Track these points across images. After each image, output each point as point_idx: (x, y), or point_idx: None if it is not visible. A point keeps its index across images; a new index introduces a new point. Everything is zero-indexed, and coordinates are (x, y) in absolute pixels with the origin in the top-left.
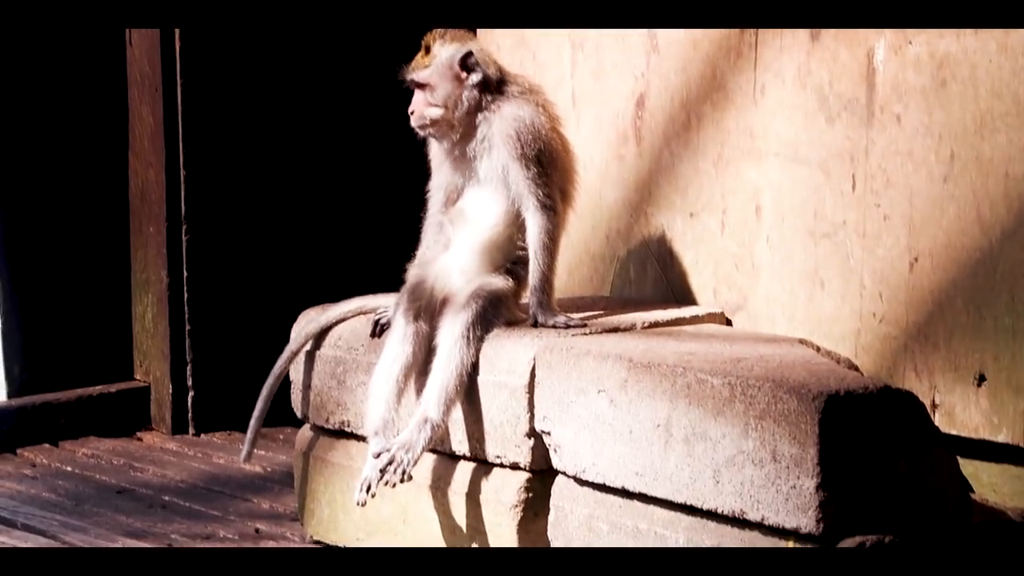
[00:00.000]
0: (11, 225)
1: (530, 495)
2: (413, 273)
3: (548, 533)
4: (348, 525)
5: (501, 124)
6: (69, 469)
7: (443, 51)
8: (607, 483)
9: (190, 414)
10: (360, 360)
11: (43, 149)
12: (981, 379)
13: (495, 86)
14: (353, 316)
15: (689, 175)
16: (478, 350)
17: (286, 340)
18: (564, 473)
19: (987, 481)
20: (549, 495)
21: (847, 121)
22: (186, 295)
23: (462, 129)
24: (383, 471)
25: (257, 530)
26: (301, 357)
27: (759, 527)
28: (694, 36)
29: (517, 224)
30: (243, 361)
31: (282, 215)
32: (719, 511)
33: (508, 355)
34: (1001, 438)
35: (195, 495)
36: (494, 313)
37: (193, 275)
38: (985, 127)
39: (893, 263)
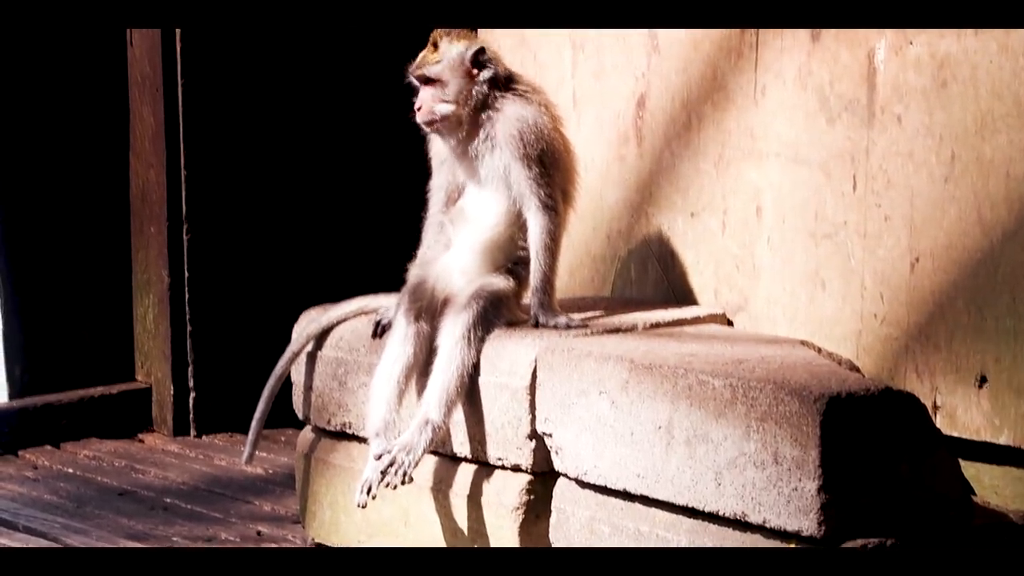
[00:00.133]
0: (12, 226)
1: (531, 497)
2: (414, 273)
3: (550, 535)
4: (349, 527)
5: (505, 124)
6: (70, 471)
7: (453, 47)
8: (608, 485)
9: (191, 415)
10: (361, 361)
11: (44, 150)
12: (982, 381)
13: (503, 84)
14: (354, 317)
15: (690, 175)
16: (479, 351)
17: (287, 341)
18: (565, 475)
19: (989, 483)
20: (551, 497)
21: (848, 122)
22: (187, 296)
23: (467, 127)
24: (384, 473)
25: (259, 532)
26: (302, 358)
27: (761, 530)
28: (695, 37)
29: (518, 224)
30: (244, 362)
31: (283, 215)
32: (721, 513)
33: (509, 356)
34: (1003, 440)
35: (196, 497)
36: (495, 314)
37: (194, 276)
38: (986, 128)
39: (894, 264)
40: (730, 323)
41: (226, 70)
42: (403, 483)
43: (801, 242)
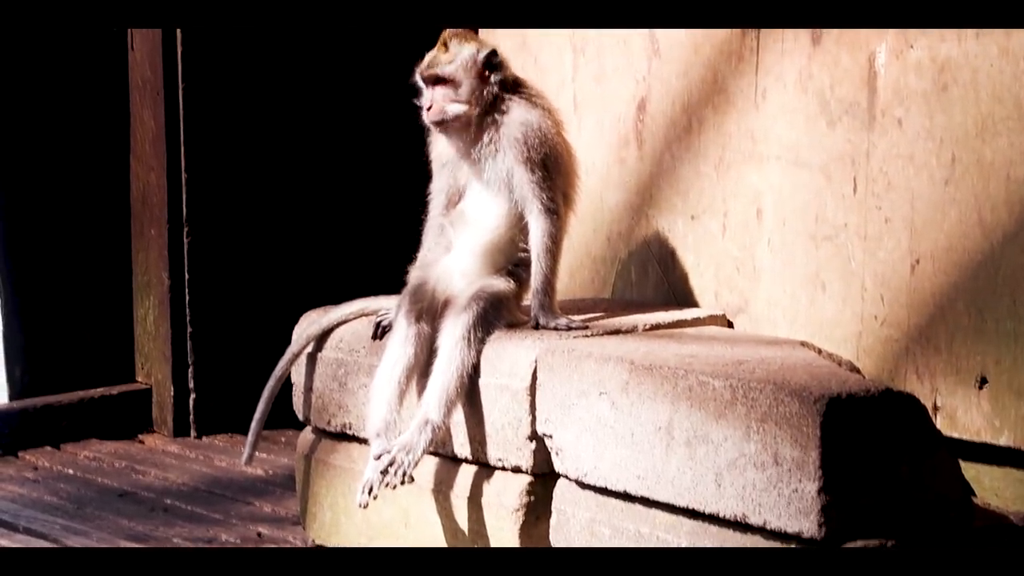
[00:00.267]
0: (13, 228)
1: (532, 498)
2: (414, 275)
3: (550, 537)
4: (350, 528)
5: (510, 127)
6: (71, 472)
7: (464, 48)
8: (609, 486)
9: (191, 416)
10: (361, 362)
11: (45, 153)
12: (983, 382)
13: (510, 87)
14: (354, 318)
15: (690, 178)
16: (479, 352)
17: (287, 342)
18: (566, 476)
19: (989, 484)
20: (551, 498)
21: (848, 125)
22: (187, 297)
23: (474, 128)
24: (384, 472)
25: (259, 534)
26: (302, 359)
27: (761, 531)
28: (695, 40)
29: (519, 226)
30: (244, 363)
31: (283, 218)
32: (721, 515)
33: (510, 357)
34: (1003, 441)
35: (197, 498)
36: (495, 315)
37: (195, 278)
38: (986, 131)
39: (894, 266)
40: (730, 325)
41: (227, 73)
42: (403, 483)
43: (802, 244)
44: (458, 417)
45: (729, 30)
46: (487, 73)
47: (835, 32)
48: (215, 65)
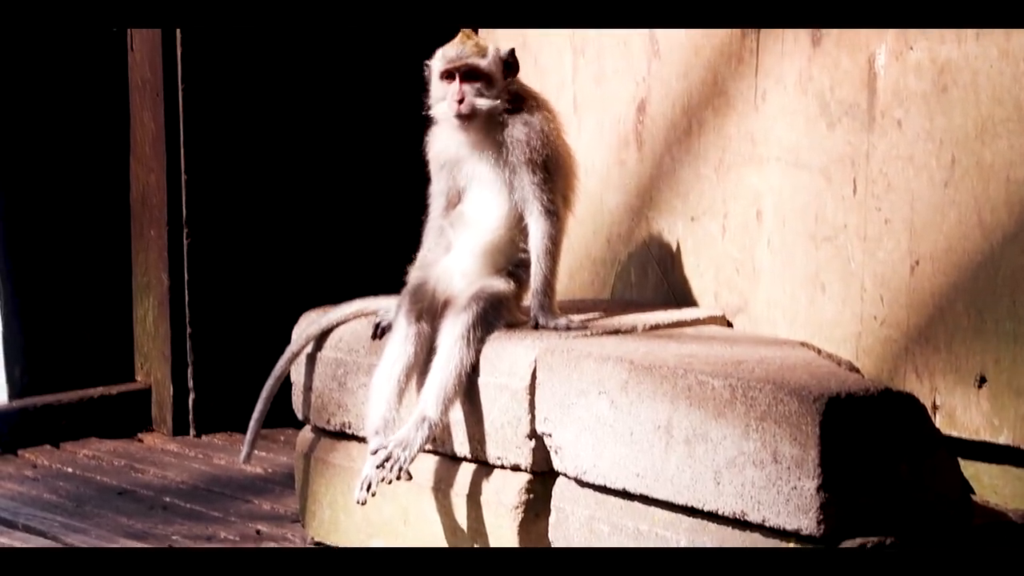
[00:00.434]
0: (13, 228)
1: (531, 497)
2: (414, 275)
3: (549, 535)
4: (349, 526)
5: (514, 128)
6: (70, 470)
7: (489, 46)
8: (608, 485)
9: (191, 415)
10: (361, 362)
11: (45, 153)
12: (982, 381)
13: (517, 89)
14: (354, 318)
15: (690, 180)
16: (478, 351)
17: (287, 342)
18: (565, 475)
19: (988, 483)
20: (550, 497)
21: (848, 126)
22: (187, 297)
23: (488, 126)
24: (380, 468)
25: (258, 531)
26: (302, 359)
27: (760, 529)
28: (695, 42)
29: (519, 227)
30: (244, 363)
31: (283, 218)
32: (720, 513)
33: (509, 357)
34: (1002, 440)
35: (196, 496)
36: (495, 315)
37: (194, 278)
38: (986, 132)
39: (894, 267)
40: (730, 325)
41: (226, 74)
42: (399, 478)
43: (801, 245)
44: (457, 416)
45: (729, 31)
46: (506, 72)
47: (835, 33)
48: (215, 66)
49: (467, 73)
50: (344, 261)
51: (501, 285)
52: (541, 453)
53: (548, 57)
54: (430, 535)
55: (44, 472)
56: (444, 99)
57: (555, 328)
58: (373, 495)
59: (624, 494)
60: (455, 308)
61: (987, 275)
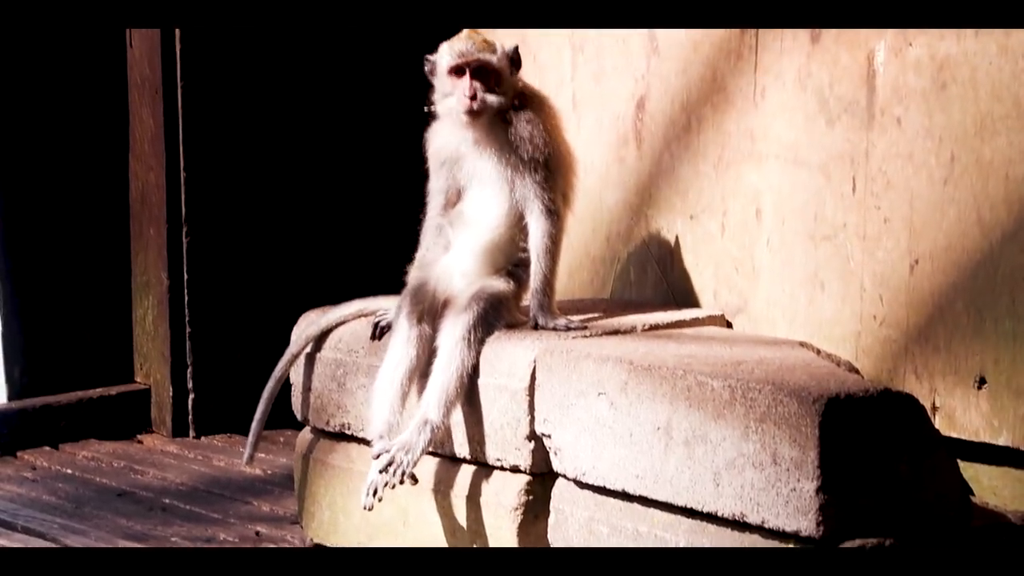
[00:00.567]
0: (12, 228)
1: (530, 498)
2: (414, 275)
3: (548, 536)
4: (349, 528)
5: (516, 126)
6: (69, 472)
7: (496, 42)
8: (607, 486)
9: (190, 416)
10: (360, 363)
11: (44, 152)
12: (981, 382)
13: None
14: (353, 318)
15: (689, 178)
16: (479, 352)
17: (286, 342)
18: (564, 476)
19: (987, 484)
20: (549, 498)
21: (847, 124)
22: (186, 297)
23: (493, 123)
24: (383, 472)
25: (257, 533)
26: (301, 359)
27: (759, 530)
28: (694, 39)
29: (519, 226)
30: (243, 363)
31: (282, 217)
32: (719, 514)
33: (509, 357)
34: (1001, 441)
35: (195, 498)
36: (495, 315)
37: (193, 277)
38: (985, 129)
39: (893, 266)
40: (729, 325)
41: (226, 72)
42: (402, 482)
43: (800, 244)
44: (457, 417)
45: (728, 29)
46: (512, 69)
47: (834, 30)
48: (214, 64)
49: (477, 69)
50: (344, 261)
51: (501, 285)
52: (540, 454)
53: (547, 54)
54: (429, 536)
55: (43, 473)
56: (451, 95)
57: (554, 328)
58: (380, 500)
59: (623, 495)
60: (455, 309)
61: (986, 274)
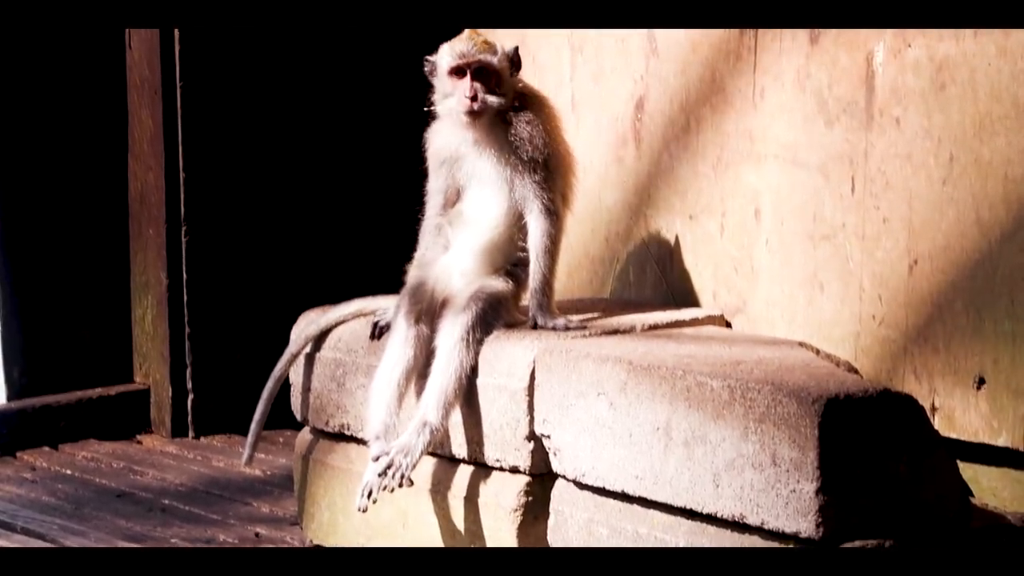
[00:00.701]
0: (11, 228)
1: (530, 499)
2: (413, 275)
3: (548, 537)
4: (348, 529)
5: (516, 126)
6: (69, 472)
7: (496, 43)
8: (607, 487)
9: (190, 417)
10: (360, 363)
11: (43, 152)
12: (981, 382)
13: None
14: (353, 318)
15: (688, 178)
16: (477, 353)
17: (286, 342)
18: (564, 477)
19: (987, 485)
20: (549, 499)
21: (846, 124)
22: (186, 298)
23: (493, 124)
24: (382, 475)
25: (257, 534)
26: (301, 360)
27: (759, 531)
28: (693, 39)
29: (518, 226)
30: (243, 364)
31: (281, 217)
32: (719, 515)
33: (508, 358)
34: (1001, 442)
35: (195, 499)
36: (494, 315)
37: (193, 278)
38: (984, 130)
39: (892, 266)
40: (728, 325)
41: (225, 73)
42: (401, 485)
43: (799, 244)
44: (456, 418)
45: (727, 29)
46: (513, 70)
47: (833, 31)
48: (213, 64)
49: (478, 70)
50: (343, 261)
51: (500, 285)
52: (540, 455)
53: (546, 55)
54: (429, 537)
55: (43, 474)
56: (451, 95)
57: (554, 328)
58: (375, 502)
59: (623, 496)
60: (454, 308)
61: (985, 274)
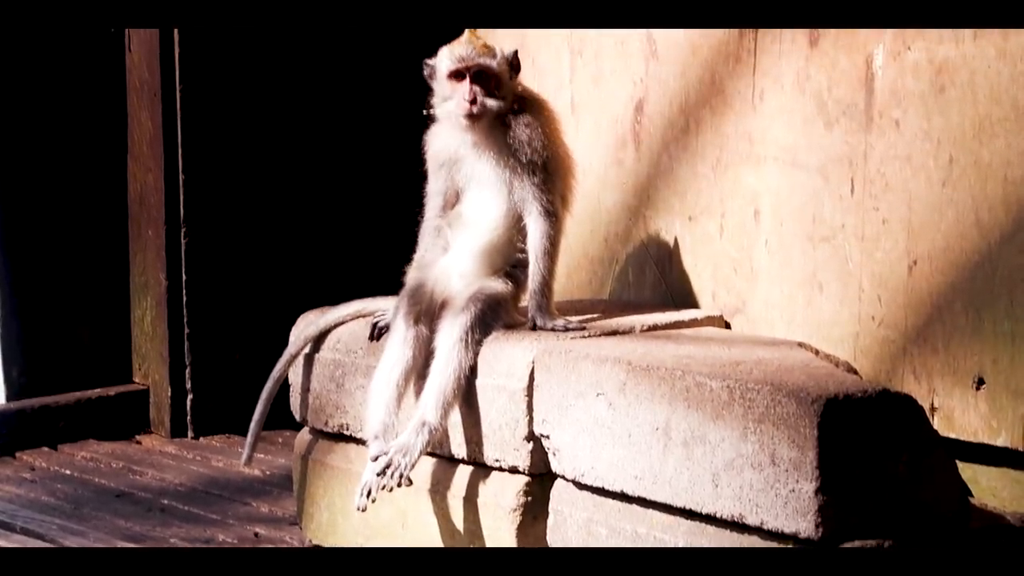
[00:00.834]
0: (11, 228)
1: (529, 499)
2: (412, 276)
3: (547, 537)
4: (347, 529)
5: (515, 129)
6: (68, 472)
7: (496, 46)
8: (606, 487)
9: (189, 417)
10: (359, 363)
11: (43, 154)
12: (980, 383)
13: (522, 90)
14: (352, 319)
15: (688, 179)
16: (476, 353)
17: (285, 343)
18: (563, 477)
19: (986, 485)
20: (548, 499)
21: (846, 126)
22: (185, 298)
23: (492, 127)
24: (381, 475)
25: (256, 534)
26: (300, 360)
27: (758, 531)
28: (693, 41)
29: (517, 227)
30: (242, 364)
31: (281, 218)
32: (718, 515)
33: (507, 358)
34: (1000, 442)
35: (194, 499)
36: (493, 316)
37: (192, 278)
38: (984, 132)
39: (892, 267)
40: (728, 326)
41: (224, 75)
42: (399, 485)
43: (799, 245)
44: (455, 418)
45: (727, 31)
46: (512, 73)
47: (832, 33)
48: (213, 66)
49: (477, 73)
50: (342, 262)
51: (499, 286)
52: (539, 455)
53: (546, 57)
54: (428, 537)
55: (42, 474)
56: (450, 98)
57: (553, 329)
58: (373, 502)
59: (622, 496)
60: (453, 309)
61: (985, 275)
